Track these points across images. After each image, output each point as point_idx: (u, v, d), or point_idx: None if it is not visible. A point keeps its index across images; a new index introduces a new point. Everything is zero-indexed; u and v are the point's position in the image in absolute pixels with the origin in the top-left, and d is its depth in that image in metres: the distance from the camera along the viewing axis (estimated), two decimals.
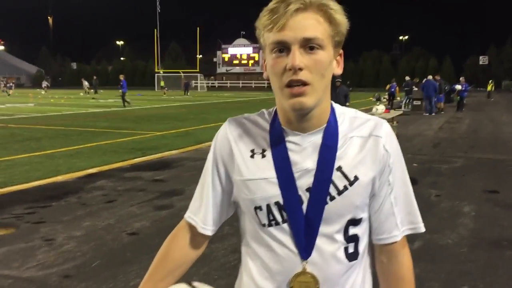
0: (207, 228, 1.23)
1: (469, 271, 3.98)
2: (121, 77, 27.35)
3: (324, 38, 1.04)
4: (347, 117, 1.16)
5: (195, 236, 1.25)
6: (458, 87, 25.13)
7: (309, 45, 1.03)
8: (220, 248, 4.39)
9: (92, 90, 46.36)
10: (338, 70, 1.13)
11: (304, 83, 1.03)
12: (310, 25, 1.03)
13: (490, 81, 40.68)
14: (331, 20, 1.05)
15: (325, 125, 1.12)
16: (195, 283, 1.17)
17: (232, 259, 4.12)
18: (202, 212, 1.22)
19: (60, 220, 5.34)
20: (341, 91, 13.01)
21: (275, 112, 1.17)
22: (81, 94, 45.12)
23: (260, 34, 1.09)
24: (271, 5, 1.05)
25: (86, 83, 47.24)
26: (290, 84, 1.04)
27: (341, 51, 1.13)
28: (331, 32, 1.06)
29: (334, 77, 1.15)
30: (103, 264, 4.11)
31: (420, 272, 3.90)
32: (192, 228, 1.24)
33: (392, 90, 25.39)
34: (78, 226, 5.13)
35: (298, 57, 1.02)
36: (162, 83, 55.11)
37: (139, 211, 5.71)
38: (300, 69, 1.02)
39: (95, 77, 51.21)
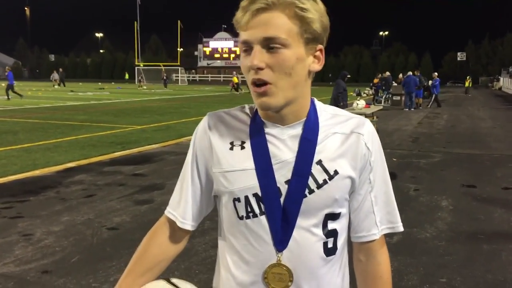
0: (187, 223, 1.22)
1: (447, 264, 4.05)
2: (7, 69, 28.25)
3: (287, 37, 1.03)
4: (329, 113, 1.17)
5: (175, 231, 1.24)
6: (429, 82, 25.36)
7: (270, 44, 1.03)
8: (201, 243, 4.38)
9: (60, 83, 45.14)
10: (317, 67, 1.11)
11: (266, 83, 1.04)
12: (271, 24, 1.02)
13: (468, 77, 41.35)
14: (299, 18, 1.04)
15: (305, 118, 1.12)
16: (174, 280, 1.16)
17: (213, 254, 4.11)
18: (182, 207, 1.21)
19: (38, 215, 5.26)
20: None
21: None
22: (55, 86, 44.04)
23: (237, 31, 1.10)
24: (242, 2, 1.05)
25: (55, 76, 45.92)
26: (254, 83, 1.05)
27: (320, 47, 1.10)
28: (298, 30, 1.04)
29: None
30: (83, 260, 4.06)
31: (399, 266, 3.96)
32: (172, 223, 1.23)
33: (379, 85, 25.68)
34: (57, 221, 5.06)
35: (257, 56, 1.02)
36: (126, 76, 54.08)
37: (119, 205, 5.66)
38: (260, 69, 1.03)
39: (61, 70, 50.26)
